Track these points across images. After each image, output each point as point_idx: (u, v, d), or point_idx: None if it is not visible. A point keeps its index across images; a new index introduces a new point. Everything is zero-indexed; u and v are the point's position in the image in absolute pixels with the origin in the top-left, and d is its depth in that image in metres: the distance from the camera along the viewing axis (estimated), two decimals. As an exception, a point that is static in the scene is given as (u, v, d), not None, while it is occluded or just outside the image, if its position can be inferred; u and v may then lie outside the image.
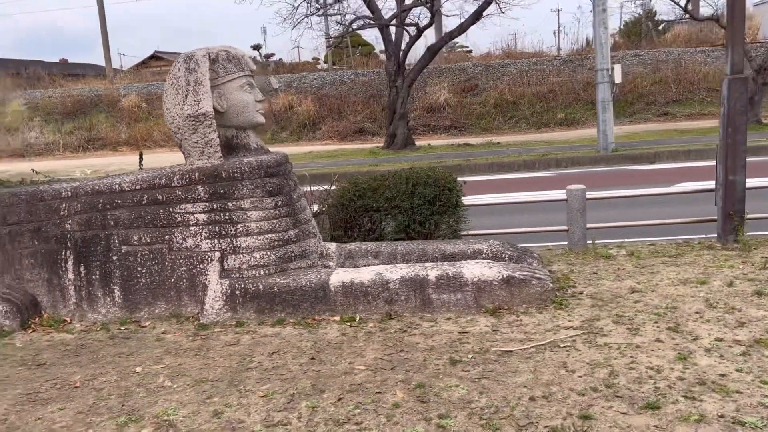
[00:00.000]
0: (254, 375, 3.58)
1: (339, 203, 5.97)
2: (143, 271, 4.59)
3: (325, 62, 30.47)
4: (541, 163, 13.71)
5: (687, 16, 17.83)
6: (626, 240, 6.49)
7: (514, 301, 4.36)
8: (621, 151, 14.02)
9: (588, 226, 6.29)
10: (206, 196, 4.51)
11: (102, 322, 4.61)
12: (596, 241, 6.19)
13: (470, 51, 31.13)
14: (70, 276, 4.67)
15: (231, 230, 4.51)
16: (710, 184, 6.20)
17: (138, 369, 3.75)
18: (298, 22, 18.23)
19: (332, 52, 28.88)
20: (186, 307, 4.60)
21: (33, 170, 7.01)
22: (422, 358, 3.64)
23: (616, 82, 14.31)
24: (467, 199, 6.19)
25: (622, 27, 31.95)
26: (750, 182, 5.84)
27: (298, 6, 18.21)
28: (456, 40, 21.08)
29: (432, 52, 17.67)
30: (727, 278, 4.74)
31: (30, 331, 4.54)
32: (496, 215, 8.10)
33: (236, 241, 4.51)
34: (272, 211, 4.59)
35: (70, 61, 40.27)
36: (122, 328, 4.51)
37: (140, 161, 6.84)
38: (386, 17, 17.53)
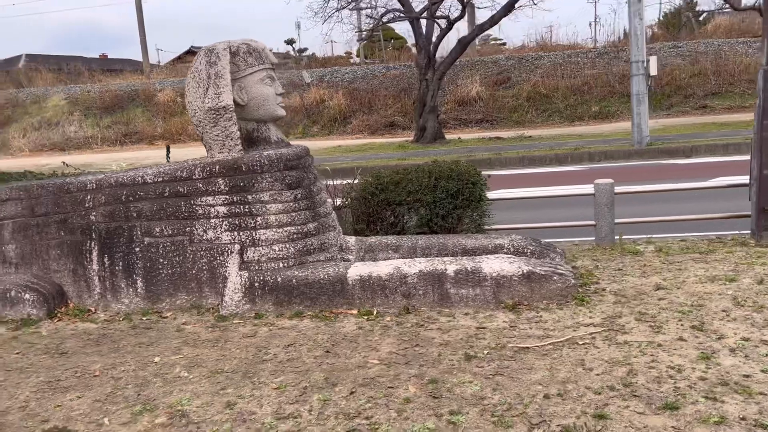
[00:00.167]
0: (269, 367, 3.59)
1: (361, 197, 5.96)
2: (165, 262, 4.64)
3: (358, 56, 30.51)
4: (573, 158, 13.49)
5: (727, 6, 17.29)
6: (656, 236, 6.33)
7: (535, 297, 4.28)
8: (656, 144, 13.70)
9: (617, 221, 6.15)
10: (226, 188, 4.54)
11: (125, 312, 4.68)
12: (625, 237, 6.05)
13: (504, 44, 30.81)
14: (95, 266, 4.75)
15: (250, 223, 4.53)
16: (747, 178, 6.00)
17: (156, 359, 3.80)
18: (329, 16, 18.27)
19: (364, 45, 28.91)
20: (207, 298, 4.64)
21: (63, 163, 7.17)
22: (437, 353, 3.60)
23: (652, 74, 13.97)
24: (494, 193, 6.12)
25: (661, 18, 31.19)
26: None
27: (329, 0, 18.24)
28: (489, 32, 20.93)
29: (463, 44, 17.50)
30: (757, 276, 4.58)
31: (56, 321, 4.64)
32: (525, 210, 7.99)
33: (255, 234, 4.53)
34: (291, 203, 4.60)
35: (109, 57, 41.12)
36: (144, 318, 4.57)
37: (167, 154, 6.93)
38: (417, 10, 17.43)
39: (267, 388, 3.33)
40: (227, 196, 4.54)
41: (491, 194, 6.06)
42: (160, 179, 4.64)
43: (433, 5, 17.19)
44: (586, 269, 5.08)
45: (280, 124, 5.27)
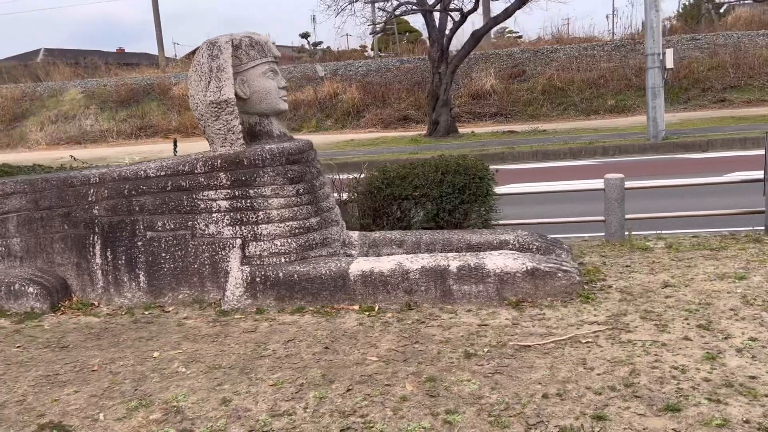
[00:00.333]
0: (267, 363, 3.56)
1: (368, 191, 5.90)
2: (167, 256, 4.63)
3: (372, 50, 30.40)
4: (587, 152, 13.32)
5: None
6: (667, 231, 6.21)
7: (539, 294, 4.21)
8: (672, 139, 13.48)
9: (627, 216, 6.05)
10: (228, 183, 4.51)
11: (128, 307, 4.68)
12: (636, 233, 5.95)
13: (520, 36, 30.52)
14: (98, 260, 4.76)
15: (252, 217, 4.51)
16: (762, 173, 5.86)
17: (155, 354, 3.79)
18: (342, 9, 18.18)
19: (379, 39, 28.78)
20: (209, 293, 4.62)
21: (72, 156, 7.19)
22: (436, 351, 3.55)
23: (668, 67, 13.73)
24: (502, 188, 6.04)
25: (680, 10, 30.71)
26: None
27: (342, -8, 18.17)
28: (505, 25, 20.72)
29: (476, 37, 17.35)
30: (769, 274, 4.47)
31: (59, 314, 4.65)
32: (535, 204, 7.91)
33: (257, 229, 4.50)
34: (293, 198, 4.56)
35: (126, 51, 41.37)
36: (146, 312, 4.57)
37: (174, 148, 6.93)
38: (430, 2, 17.30)
39: (264, 384, 3.30)
40: (229, 191, 4.52)
41: (499, 189, 5.98)
42: (162, 173, 4.62)
43: (447, -3, 17.06)
44: (593, 266, 5.00)
45: (285, 117, 5.24)
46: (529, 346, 3.54)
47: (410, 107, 22.02)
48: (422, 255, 4.46)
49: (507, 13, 16.76)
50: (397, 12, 18.53)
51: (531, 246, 4.81)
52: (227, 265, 4.54)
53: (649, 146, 13.29)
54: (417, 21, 34.16)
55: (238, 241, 4.52)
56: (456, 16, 17.26)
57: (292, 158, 4.62)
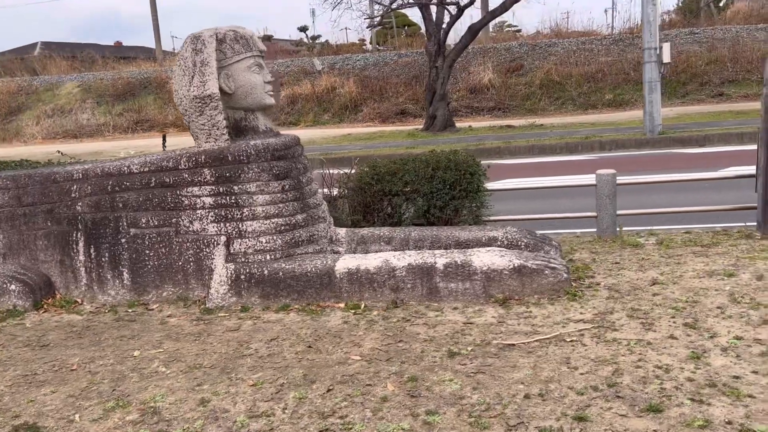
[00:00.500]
0: (248, 363, 3.52)
1: (358, 187, 5.85)
2: (151, 254, 4.58)
3: (371, 44, 30.27)
4: (584, 146, 13.25)
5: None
6: (660, 227, 6.17)
7: (526, 292, 4.17)
8: (669, 133, 13.41)
9: (619, 212, 5.99)
10: (212, 179, 4.46)
11: (111, 304, 4.64)
12: (627, 229, 5.90)
13: (519, 30, 30.37)
14: (81, 257, 4.71)
15: (237, 214, 4.45)
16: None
17: (136, 353, 3.74)
18: (338, 2, 18.06)
19: (377, 32, 28.65)
20: (193, 290, 4.58)
21: (59, 152, 7.13)
22: (420, 350, 3.51)
23: (665, 61, 13.64)
24: (493, 184, 5.98)
25: (680, 4, 30.55)
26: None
27: (339, -14, 18.05)
28: (504, 19, 20.59)
29: (473, 31, 17.23)
30: (758, 271, 4.42)
31: (42, 312, 4.61)
32: (529, 200, 7.85)
33: (242, 225, 4.45)
34: (279, 194, 4.51)
35: (124, 45, 41.21)
36: (130, 310, 4.52)
37: (163, 143, 6.86)
38: (427, -4, 17.17)
39: (243, 384, 3.25)
40: (213, 187, 4.46)
41: (490, 184, 5.92)
42: (146, 169, 4.57)
43: (443, -9, 16.95)
44: (582, 262, 4.95)
45: (272, 112, 5.17)
46: (514, 345, 3.50)
47: (408, 101, 21.92)
48: (409, 252, 4.41)
49: (504, 7, 16.65)
50: (394, 5, 18.42)
51: (519, 243, 4.76)
52: (212, 263, 4.49)
53: (645, 141, 13.22)
54: (416, 14, 33.96)
55: (223, 238, 4.47)
56: (453, 9, 17.15)
57: (277, 154, 4.57)
